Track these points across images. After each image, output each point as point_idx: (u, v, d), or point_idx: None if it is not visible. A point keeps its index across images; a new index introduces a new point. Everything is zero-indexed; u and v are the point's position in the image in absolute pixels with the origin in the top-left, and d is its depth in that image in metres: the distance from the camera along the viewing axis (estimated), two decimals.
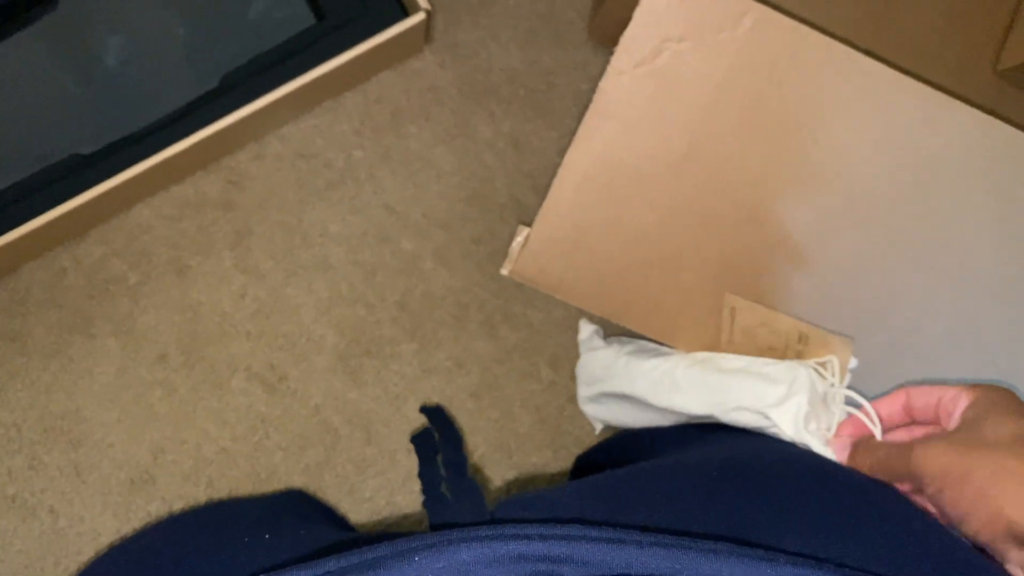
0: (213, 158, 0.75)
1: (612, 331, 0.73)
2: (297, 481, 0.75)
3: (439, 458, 0.54)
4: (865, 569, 0.31)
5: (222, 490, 0.74)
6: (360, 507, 0.76)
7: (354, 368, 0.76)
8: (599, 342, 0.67)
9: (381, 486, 0.76)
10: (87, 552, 0.73)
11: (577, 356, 0.78)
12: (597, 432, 0.73)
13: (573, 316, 0.78)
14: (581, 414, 0.79)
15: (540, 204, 0.57)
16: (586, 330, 0.71)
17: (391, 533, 0.44)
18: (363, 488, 0.76)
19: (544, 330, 0.78)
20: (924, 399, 0.42)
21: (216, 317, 0.75)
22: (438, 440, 0.57)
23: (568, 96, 0.79)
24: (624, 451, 0.64)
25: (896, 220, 0.56)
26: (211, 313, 0.75)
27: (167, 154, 0.64)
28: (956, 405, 0.39)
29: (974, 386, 0.39)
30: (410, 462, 0.77)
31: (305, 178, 0.76)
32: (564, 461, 0.78)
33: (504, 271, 0.61)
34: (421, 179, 0.77)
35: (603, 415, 0.67)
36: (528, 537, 0.28)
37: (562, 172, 0.57)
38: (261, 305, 0.75)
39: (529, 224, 0.60)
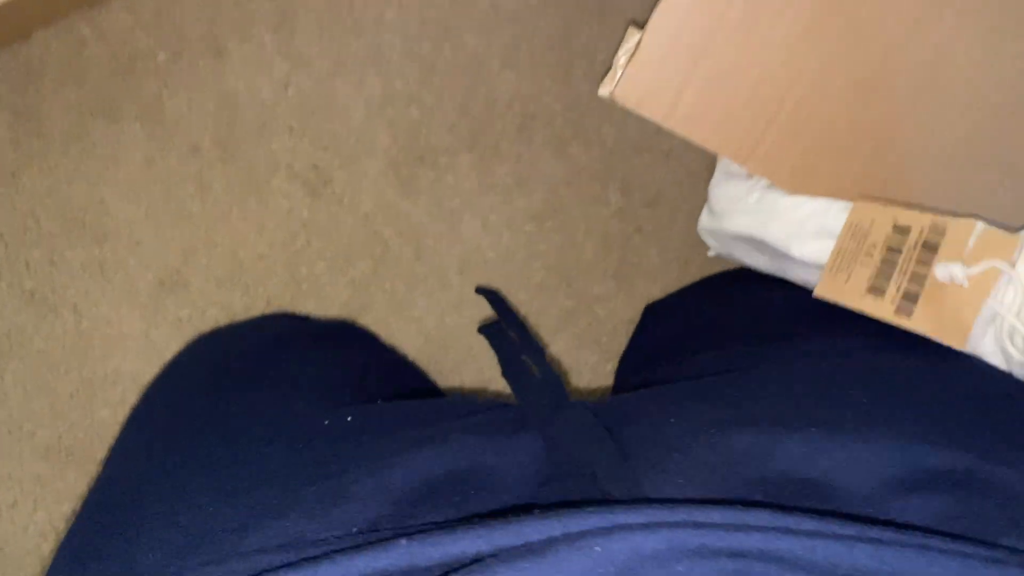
0: None
1: None
2: (342, 295, 0.69)
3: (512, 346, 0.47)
4: None
5: (259, 298, 0.69)
6: (409, 326, 0.70)
7: (406, 177, 0.69)
8: (738, 167, 0.54)
9: (431, 306, 0.70)
10: (115, 356, 0.68)
11: (651, 180, 0.71)
12: (711, 255, 0.62)
13: (650, 134, 0.70)
14: (650, 244, 0.72)
15: (637, 3, 0.46)
16: None
17: (462, 402, 0.38)
18: (412, 306, 0.70)
19: (618, 150, 0.70)
20: None
21: (255, 108, 0.67)
22: (505, 327, 0.50)
23: None
24: (722, 319, 0.53)
25: None
26: (249, 103, 0.67)
27: None
28: None
29: None
30: (462, 283, 0.71)
31: None
32: (627, 293, 0.72)
33: (603, 91, 0.50)
34: None
35: (720, 248, 0.57)
36: (713, 526, 0.24)
37: None
38: (306, 98, 0.67)
39: (641, 27, 0.49)
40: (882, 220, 0.43)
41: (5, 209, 0.66)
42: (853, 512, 0.28)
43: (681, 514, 0.24)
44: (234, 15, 0.66)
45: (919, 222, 0.41)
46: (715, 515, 0.24)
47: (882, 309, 0.41)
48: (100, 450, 0.69)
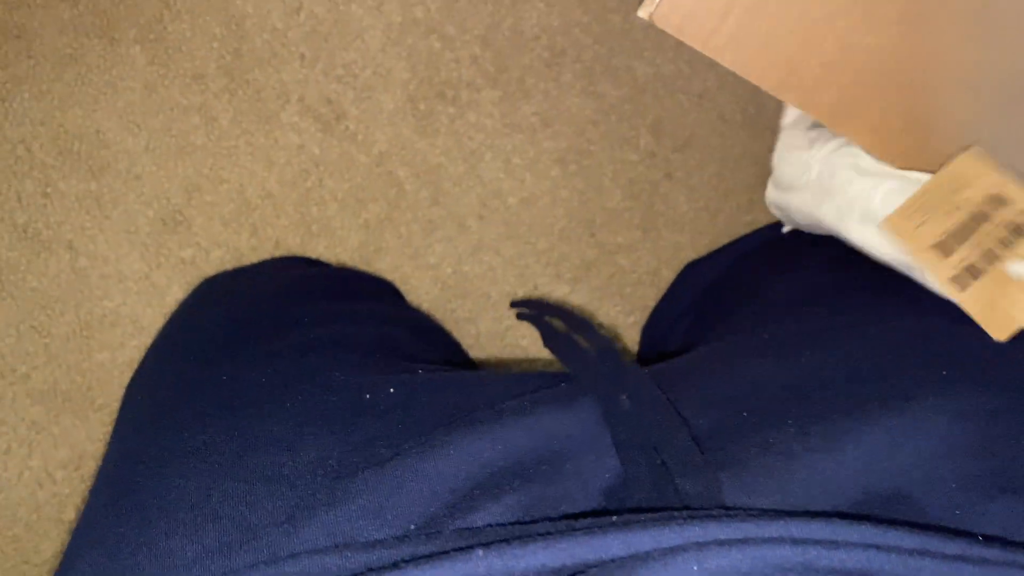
0: None
1: None
2: (354, 239, 0.65)
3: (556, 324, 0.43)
4: None
5: (267, 240, 0.65)
6: (424, 273, 0.67)
7: (425, 113, 0.65)
8: (800, 140, 0.49)
9: (448, 253, 0.67)
10: (114, 297, 0.65)
11: (684, 123, 0.67)
12: (785, 231, 0.56)
13: (685, 73, 0.66)
14: (679, 191, 0.69)
15: None
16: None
17: (507, 377, 0.35)
18: (427, 253, 0.67)
19: (651, 88, 0.66)
20: None
21: (264, 34, 0.62)
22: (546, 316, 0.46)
23: None
24: (774, 288, 0.48)
25: None
26: (258, 28, 0.62)
27: None
28: None
29: None
30: (481, 228, 0.67)
31: None
32: (653, 243, 0.69)
33: (642, 13, 0.46)
34: None
35: (787, 215, 0.53)
36: (813, 542, 0.22)
37: None
38: (319, 23, 0.62)
39: None
40: (985, 181, 0.39)
41: None
42: (938, 521, 0.26)
43: (778, 528, 0.22)
44: None
45: (1022, 202, 0.38)
46: (814, 530, 0.22)
47: (939, 270, 0.38)
48: (99, 395, 0.66)
